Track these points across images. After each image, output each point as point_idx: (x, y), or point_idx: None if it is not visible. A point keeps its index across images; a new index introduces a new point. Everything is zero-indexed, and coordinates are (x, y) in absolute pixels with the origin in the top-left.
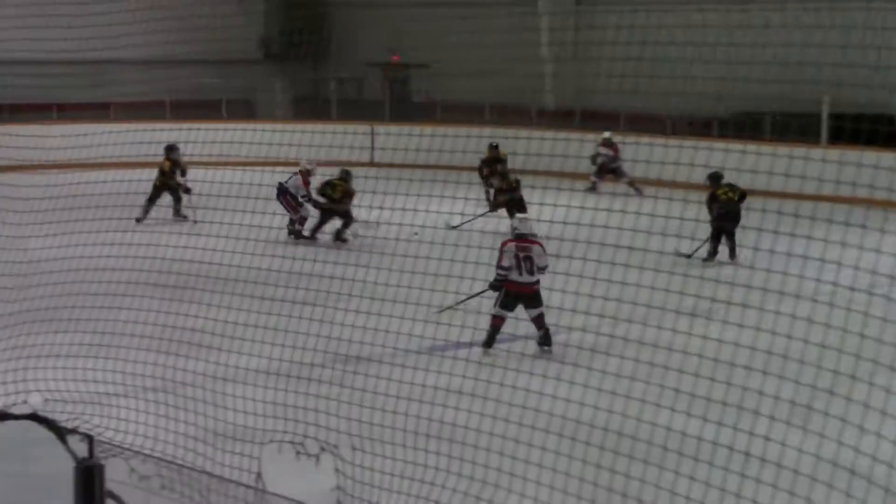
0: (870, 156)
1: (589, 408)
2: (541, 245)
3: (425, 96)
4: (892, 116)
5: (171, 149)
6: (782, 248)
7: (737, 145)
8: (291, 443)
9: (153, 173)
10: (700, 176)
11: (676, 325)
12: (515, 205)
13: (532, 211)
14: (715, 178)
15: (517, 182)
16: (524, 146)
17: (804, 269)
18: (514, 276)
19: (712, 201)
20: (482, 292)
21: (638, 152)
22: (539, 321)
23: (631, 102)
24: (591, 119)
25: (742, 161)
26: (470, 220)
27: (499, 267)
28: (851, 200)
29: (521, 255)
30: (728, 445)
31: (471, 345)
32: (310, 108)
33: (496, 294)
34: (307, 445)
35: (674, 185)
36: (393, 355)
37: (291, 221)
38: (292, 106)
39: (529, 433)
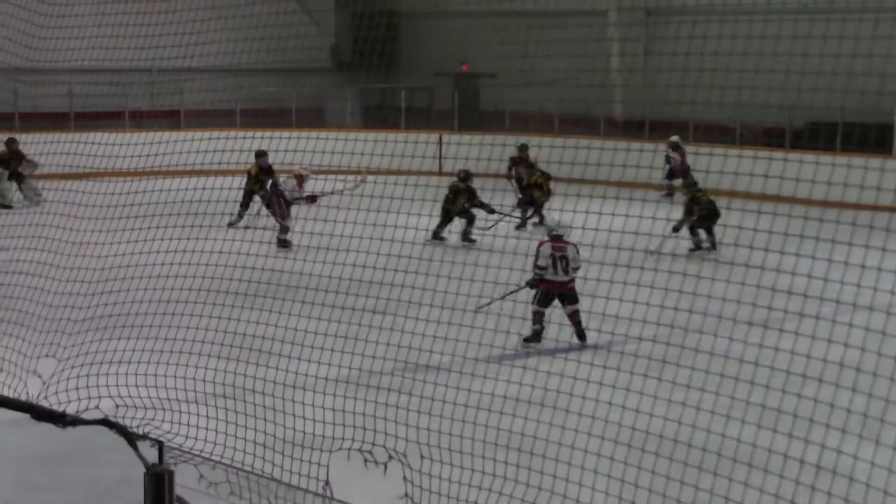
0: None
1: (658, 419)
2: (574, 246)
3: (494, 106)
4: None
5: (259, 154)
6: (856, 260)
7: (810, 156)
8: (360, 451)
9: (225, 181)
10: (773, 187)
11: (747, 337)
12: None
13: (604, 221)
14: (693, 185)
15: (540, 183)
16: (594, 156)
17: (879, 281)
18: (549, 275)
19: (693, 203)
20: (518, 290)
21: (711, 163)
22: (574, 317)
23: (700, 113)
24: (659, 129)
25: (815, 172)
26: (494, 224)
27: (535, 266)
28: None
29: (557, 254)
30: (798, 458)
31: (539, 353)
32: (379, 116)
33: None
34: (375, 453)
35: (747, 195)
36: (461, 364)
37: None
38: (362, 115)
39: (598, 443)
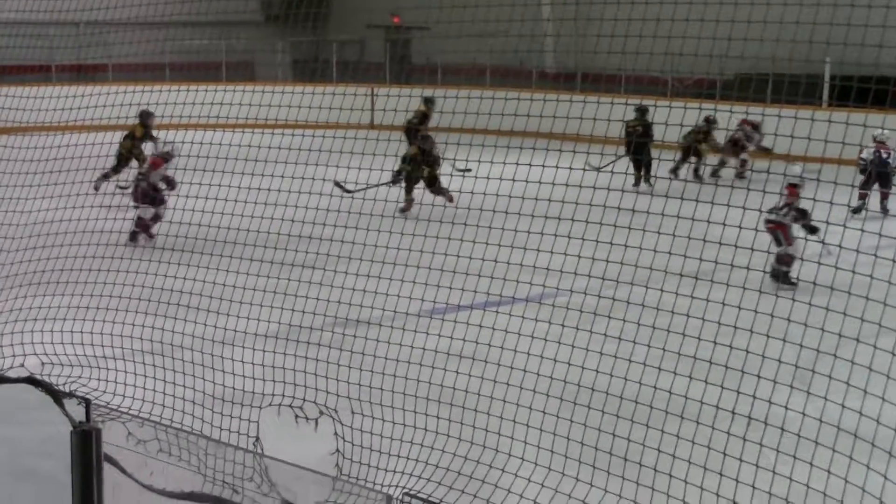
0: (876, 118)
1: (589, 371)
2: None
3: (426, 59)
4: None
5: (147, 115)
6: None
7: (740, 107)
8: (290, 406)
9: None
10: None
11: (679, 289)
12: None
13: (534, 173)
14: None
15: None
16: (524, 108)
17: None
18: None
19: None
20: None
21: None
22: None
23: (632, 64)
24: (591, 81)
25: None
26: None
27: None
28: (855, 163)
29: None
30: (730, 409)
31: (471, 307)
32: (310, 70)
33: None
34: (306, 409)
35: (679, 147)
36: (393, 318)
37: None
38: (292, 68)
39: (530, 397)
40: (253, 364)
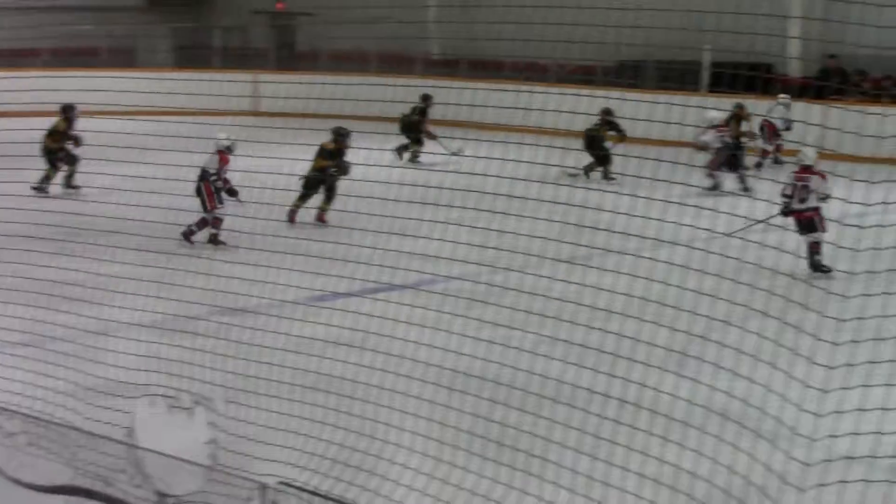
0: (748, 103)
1: (466, 357)
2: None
3: (311, 45)
4: (769, 65)
5: (69, 108)
6: (660, 195)
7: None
8: (164, 396)
9: (29, 122)
10: (581, 123)
11: (555, 274)
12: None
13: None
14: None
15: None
16: (412, 94)
17: (681, 215)
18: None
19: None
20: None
21: (518, 99)
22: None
23: (515, 50)
24: (476, 68)
25: (622, 108)
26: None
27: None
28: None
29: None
30: (604, 393)
31: (350, 295)
32: (192, 56)
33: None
34: (180, 399)
35: (555, 133)
36: (272, 306)
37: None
38: (175, 54)
39: (411, 384)
40: (129, 354)
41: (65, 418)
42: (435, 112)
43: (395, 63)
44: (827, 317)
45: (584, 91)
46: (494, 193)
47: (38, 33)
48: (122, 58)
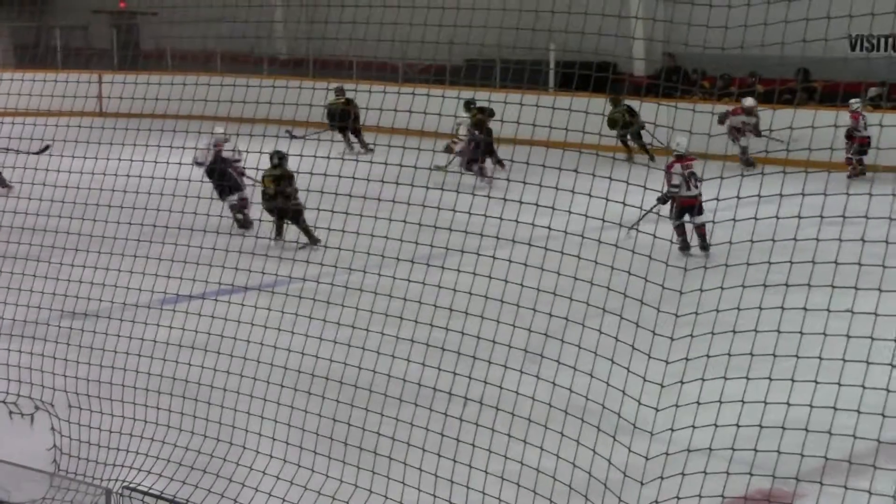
0: (584, 101)
1: (324, 360)
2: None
3: (155, 44)
4: (612, 63)
5: None
6: (514, 196)
7: (467, 92)
8: (4, 402)
9: None
10: (431, 123)
11: (410, 275)
12: None
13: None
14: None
15: None
16: (255, 95)
17: (520, 213)
18: (683, 191)
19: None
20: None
21: (371, 100)
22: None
23: (362, 50)
24: (323, 67)
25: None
26: None
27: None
28: (578, 146)
29: (686, 172)
30: (463, 395)
31: (203, 297)
32: (33, 56)
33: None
34: (21, 404)
35: (407, 132)
36: (120, 310)
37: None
38: (15, 54)
39: (264, 388)
40: None
41: None
42: (286, 112)
43: (241, 62)
44: (663, 312)
45: (436, 91)
46: (336, 193)
47: None
48: None
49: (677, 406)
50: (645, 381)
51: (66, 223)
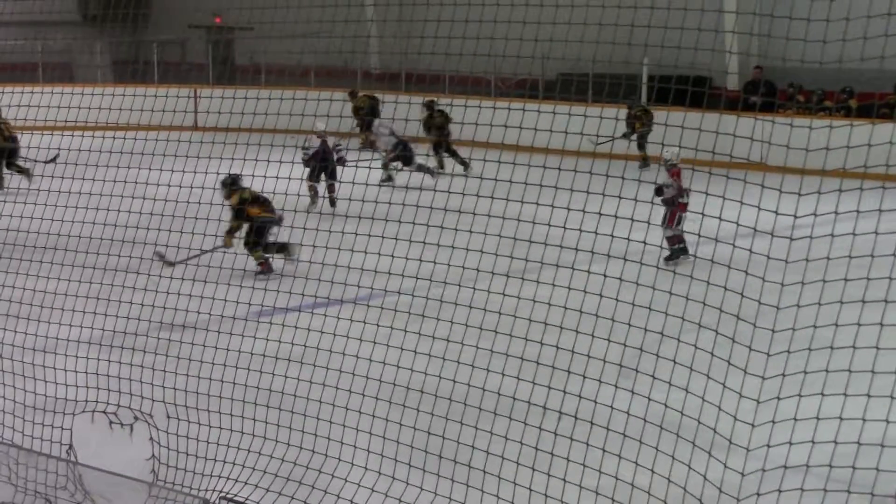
0: (679, 116)
1: (418, 373)
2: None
3: (250, 59)
4: (706, 78)
5: None
6: (594, 208)
7: (562, 106)
8: (104, 413)
9: None
10: (526, 138)
11: (505, 290)
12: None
13: (360, 174)
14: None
15: None
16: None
17: (615, 228)
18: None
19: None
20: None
21: (465, 115)
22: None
23: (455, 65)
24: (416, 82)
25: (563, 122)
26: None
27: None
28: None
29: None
30: (557, 409)
31: (292, 310)
32: (131, 71)
33: None
34: (120, 415)
35: (501, 146)
36: (217, 322)
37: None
38: (113, 69)
39: (358, 400)
40: (69, 371)
41: (4, 436)
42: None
43: (335, 77)
44: (760, 327)
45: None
46: (431, 207)
47: None
48: (60, 73)
49: (774, 422)
50: (741, 396)
51: (163, 236)
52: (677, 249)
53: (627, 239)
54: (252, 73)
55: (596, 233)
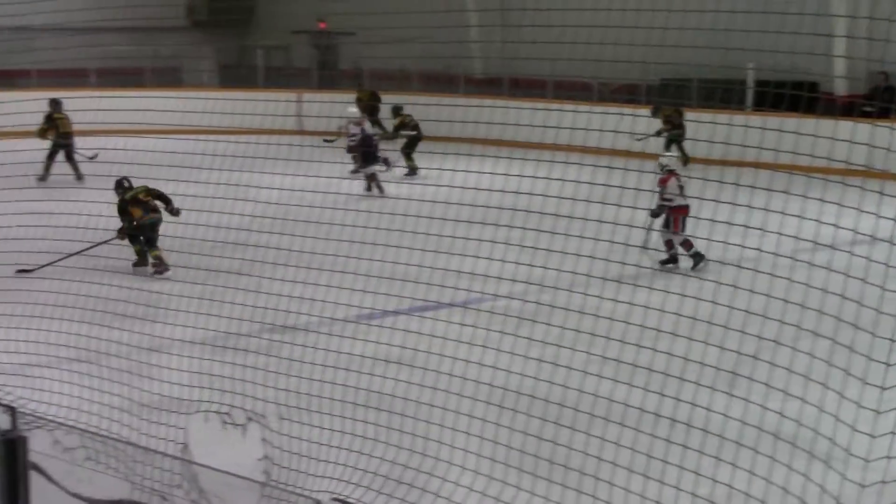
0: (791, 122)
1: (516, 375)
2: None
3: (353, 64)
4: (814, 83)
5: (58, 102)
6: (706, 215)
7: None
8: (218, 413)
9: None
10: (623, 143)
11: (603, 293)
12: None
13: (458, 178)
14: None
15: None
16: (451, 113)
17: (728, 235)
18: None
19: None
20: None
21: (562, 118)
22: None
23: (558, 69)
24: (518, 86)
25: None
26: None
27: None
28: (774, 166)
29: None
30: (654, 412)
31: (399, 313)
32: (237, 75)
33: None
34: (234, 415)
35: (598, 151)
36: (322, 324)
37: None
38: (219, 74)
39: (458, 402)
40: (182, 371)
41: (120, 433)
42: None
43: (437, 82)
44: (879, 337)
45: (627, 110)
46: (541, 213)
47: (83, 54)
48: (168, 78)
49: (894, 434)
50: (859, 407)
51: (266, 238)
52: (696, 255)
53: (741, 246)
54: (355, 78)
55: (709, 239)
